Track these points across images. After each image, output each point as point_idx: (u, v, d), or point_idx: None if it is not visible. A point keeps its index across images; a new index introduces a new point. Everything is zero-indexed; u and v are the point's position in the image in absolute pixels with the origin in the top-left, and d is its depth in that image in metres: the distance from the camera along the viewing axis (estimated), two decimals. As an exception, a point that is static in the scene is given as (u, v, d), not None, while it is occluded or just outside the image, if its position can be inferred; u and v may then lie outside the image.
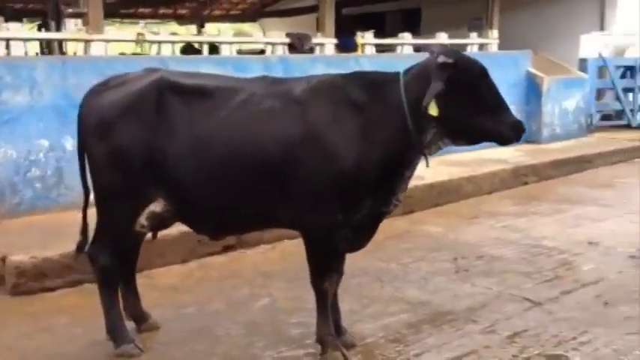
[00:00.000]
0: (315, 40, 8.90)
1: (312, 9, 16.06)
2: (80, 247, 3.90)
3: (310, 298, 4.56)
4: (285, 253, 5.72)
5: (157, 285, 4.90)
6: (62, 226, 5.69)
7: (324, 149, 3.42)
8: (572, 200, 7.66)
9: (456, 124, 3.46)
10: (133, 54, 10.14)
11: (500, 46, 11.43)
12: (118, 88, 3.70)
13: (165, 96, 3.59)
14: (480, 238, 6.11)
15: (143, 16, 17.54)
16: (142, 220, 3.71)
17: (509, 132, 3.49)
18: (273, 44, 8.44)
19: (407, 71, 3.56)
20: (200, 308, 4.50)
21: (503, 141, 3.56)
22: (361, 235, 3.69)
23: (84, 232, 3.92)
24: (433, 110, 3.36)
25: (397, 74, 3.55)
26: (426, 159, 3.56)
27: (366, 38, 9.56)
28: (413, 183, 3.82)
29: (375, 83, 3.55)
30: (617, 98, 12.18)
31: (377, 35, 9.89)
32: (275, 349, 3.86)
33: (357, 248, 3.77)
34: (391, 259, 5.48)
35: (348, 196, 3.47)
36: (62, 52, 8.51)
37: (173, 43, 7.67)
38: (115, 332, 3.80)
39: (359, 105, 3.48)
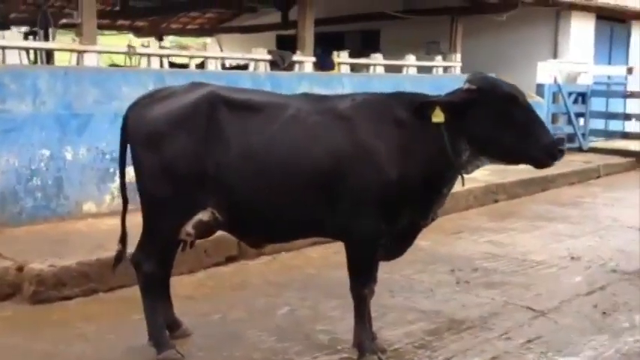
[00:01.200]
0: (295, 58, 9.11)
1: (272, 27, 16.35)
2: (119, 257, 3.98)
3: (327, 306, 4.82)
4: (287, 265, 5.90)
5: (172, 295, 4.97)
6: (67, 236, 5.74)
7: (370, 163, 3.64)
8: (544, 218, 8.06)
9: (485, 145, 3.71)
10: (120, 66, 10.13)
11: (462, 70, 11.90)
12: (168, 100, 3.82)
13: (218, 109, 3.74)
14: (470, 252, 6.41)
15: (100, 27, 17.34)
16: (189, 228, 3.82)
17: (542, 155, 3.70)
18: (255, 60, 8.60)
19: (446, 95, 3.81)
20: (224, 316, 4.62)
21: (537, 164, 3.82)
22: (399, 244, 3.92)
23: (123, 241, 4.00)
24: (437, 117, 3.61)
25: (437, 96, 3.80)
26: (462, 178, 3.81)
27: (342, 57, 9.85)
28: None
29: (416, 102, 3.78)
30: (570, 122, 12.80)
31: (350, 55, 10.19)
32: (310, 354, 4.02)
33: (395, 257, 4.00)
34: (393, 271, 5.66)
35: (391, 207, 3.69)
36: (49, 62, 8.47)
37: (162, 56, 7.75)
38: (158, 338, 3.89)
39: (402, 123, 3.70)
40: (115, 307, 4.76)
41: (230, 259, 5.86)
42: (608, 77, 14.70)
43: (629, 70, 13.00)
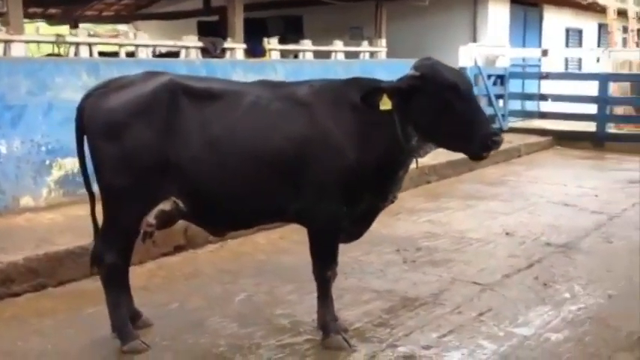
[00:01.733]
0: (226, 45, 9.07)
1: (193, 13, 16.15)
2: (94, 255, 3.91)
3: (283, 291, 4.90)
4: (236, 252, 5.92)
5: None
6: (8, 231, 5.60)
7: (331, 148, 3.72)
8: (475, 196, 8.36)
9: (428, 132, 3.73)
10: (50, 55, 9.78)
11: (388, 55, 12.13)
12: (125, 89, 3.76)
13: (177, 98, 3.73)
14: (411, 232, 6.60)
15: (11, 15, 16.67)
16: (150, 218, 3.81)
17: (476, 146, 3.63)
18: (187, 48, 8.52)
19: (395, 81, 3.90)
20: (182, 305, 4.62)
21: (471, 155, 3.77)
22: (359, 227, 4.03)
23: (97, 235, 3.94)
24: (384, 104, 3.64)
25: (392, 82, 3.89)
26: (416, 161, 3.94)
27: (272, 44, 9.86)
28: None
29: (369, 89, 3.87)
30: (490, 104, 13.24)
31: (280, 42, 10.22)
32: (275, 338, 4.09)
33: (354, 238, 4.11)
34: (342, 253, 5.57)
35: (351, 190, 3.79)
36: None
37: (90, 44, 7.56)
38: (122, 330, 3.87)
39: (359, 109, 3.77)
40: (66, 301, 4.68)
41: (178, 249, 5.83)
42: (523, 59, 15.28)
43: (545, 53, 13.52)
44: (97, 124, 3.75)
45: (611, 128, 13.14)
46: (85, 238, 5.26)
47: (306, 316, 4.40)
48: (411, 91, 3.64)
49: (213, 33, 10.30)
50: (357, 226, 4.00)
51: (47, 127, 6.28)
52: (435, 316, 4.48)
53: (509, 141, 12.17)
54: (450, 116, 3.60)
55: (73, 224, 5.75)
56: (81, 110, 3.85)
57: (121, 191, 3.73)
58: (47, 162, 6.31)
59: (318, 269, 3.96)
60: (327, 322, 3.98)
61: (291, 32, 14.51)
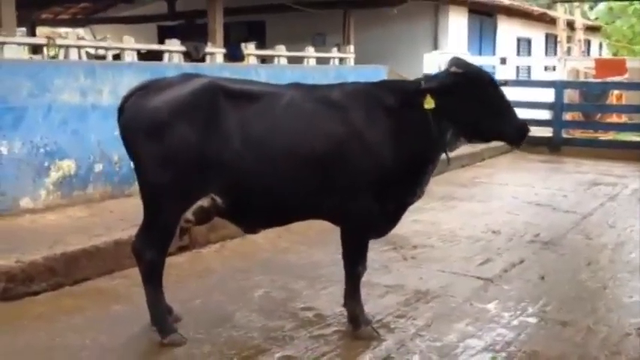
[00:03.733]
0: (206, 50, 9.17)
1: (156, 18, 16.11)
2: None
3: (298, 286, 5.06)
4: (238, 252, 6.03)
5: (141, 284, 5.01)
6: (15, 232, 5.58)
7: (366, 148, 3.92)
8: (454, 197, 8.68)
9: (467, 126, 4.08)
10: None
11: (356, 61, 12.40)
12: (166, 90, 3.88)
13: (217, 98, 3.86)
14: (403, 231, 6.79)
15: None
16: (189, 215, 3.93)
17: (515, 134, 4.05)
18: (170, 51, 8.59)
19: (427, 81, 4.15)
20: (205, 302, 4.73)
21: (511, 141, 4.20)
22: (388, 223, 4.23)
23: None
24: (429, 104, 3.92)
25: (419, 83, 4.13)
26: (447, 156, 4.18)
27: (249, 49, 10.01)
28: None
29: (400, 90, 4.10)
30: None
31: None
32: (305, 330, 4.25)
33: (383, 234, 4.31)
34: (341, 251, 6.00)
35: (384, 187, 3.99)
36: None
37: (79, 47, 7.58)
38: (162, 324, 3.98)
39: (391, 109, 4.00)
40: (88, 299, 4.73)
41: (182, 249, 5.91)
42: (481, 67, 15.75)
43: (503, 60, 14.02)
44: (140, 124, 3.85)
45: (565, 134, 13.72)
46: (97, 237, 5.37)
47: (328, 310, 4.58)
48: (453, 88, 3.90)
49: (176, 37, 10.34)
50: (386, 222, 4.20)
51: (46, 128, 6.29)
52: (450, 307, 4.71)
53: (472, 145, 12.62)
54: (490, 109, 3.97)
55: (79, 225, 5.80)
56: (121, 110, 3.95)
57: (163, 189, 3.84)
58: (46, 164, 6.31)
59: (349, 265, 4.15)
60: (358, 314, 4.17)
61: (254, 38, 14.65)
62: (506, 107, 4.04)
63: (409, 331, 4.29)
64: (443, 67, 12.85)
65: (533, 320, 4.53)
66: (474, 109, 4.00)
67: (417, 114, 3.99)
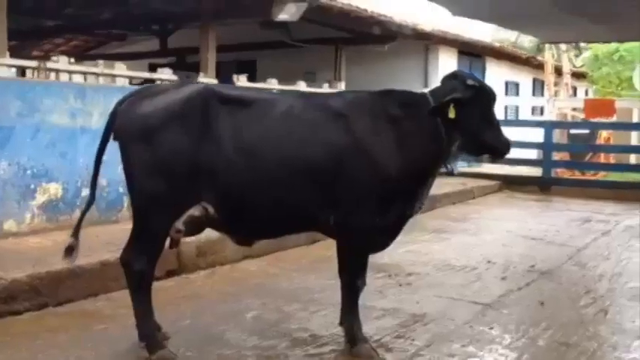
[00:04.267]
0: (198, 79, 9.11)
1: (147, 54, 16.10)
2: (70, 248, 3.86)
3: (290, 309, 4.90)
4: (229, 277, 5.88)
5: (127, 305, 4.82)
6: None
7: (369, 159, 3.81)
8: (446, 231, 8.56)
9: (473, 136, 4.05)
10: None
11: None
12: (159, 96, 3.78)
13: (211, 104, 3.76)
14: (396, 260, 6.68)
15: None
16: (179, 225, 3.78)
17: (504, 148, 4.18)
18: (162, 80, 8.52)
19: (432, 91, 4.09)
20: (193, 322, 4.56)
21: (498, 154, 4.24)
22: (388, 236, 4.09)
23: (76, 233, 3.93)
24: (452, 113, 3.92)
25: (424, 94, 4.07)
26: (449, 167, 4.11)
27: (241, 81, 9.98)
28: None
29: (406, 100, 4.03)
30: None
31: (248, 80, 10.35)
32: (300, 349, 4.08)
33: (383, 248, 4.17)
34: (334, 277, 5.83)
35: (387, 200, 3.87)
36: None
37: (70, 72, 7.49)
38: (150, 339, 3.80)
39: (395, 119, 3.92)
40: (72, 319, 4.55)
41: (170, 273, 5.74)
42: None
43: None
44: (131, 129, 3.73)
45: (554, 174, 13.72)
46: (82, 259, 5.17)
47: (323, 330, 4.42)
48: (468, 100, 3.90)
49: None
50: (385, 236, 4.07)
51: (33, 150, 6.16)
52: (449, 329, 4.56)
53: (463, 183, 12.60)
54: (491, 123, 4.07)
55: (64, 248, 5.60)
56: (113, 116, 3.84)
57: (153, 196, 3.71)
58: (32, 186, 6.16)
59: (348, 278, 4.01)
60: (356, 331, 4.01)
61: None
62: (497, 122, 4.17)
63: (408, 351, 4.13)
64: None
65: (535, 342, 4.38)
66: (479, 121, 4.04)
67: (425, 124, 3.92)
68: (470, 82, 3.99)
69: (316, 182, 3.78)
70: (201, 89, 3.82)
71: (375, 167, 3.81)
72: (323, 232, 4.12)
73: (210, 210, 3.78)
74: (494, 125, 4.13)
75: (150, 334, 3.81)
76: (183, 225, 3.80)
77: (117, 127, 3.79)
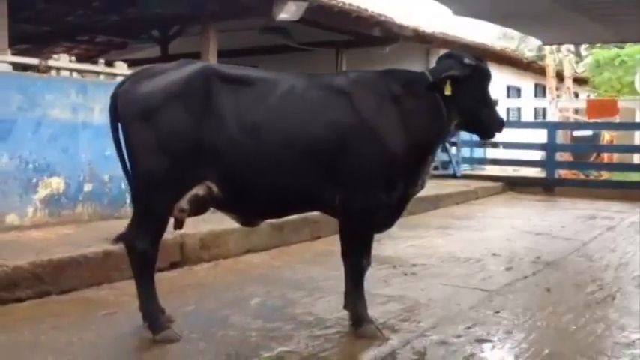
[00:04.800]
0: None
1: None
2: (121, 237, 3.82)
3: (295, 295, 4.86)
4: (232, 269, 5.83)
5: (131, 294, 4.79)
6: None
7: (372, 135, 3.79)
8: (450, 227, 8.53)
9: (470, 114, 4.08)
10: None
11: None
12: (160, 76, 3.76)
13: (213, 83, 3.74)
14: (400, 253, 6.65)
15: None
16: (183, 204, 3.75)
17: (497, 127, 4.21)
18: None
19: (431, 70, 4.08)
20: (198, 307, 4.52)
21: (491, 133, 4.25)
22: (392, 215, 4.06)
23: None
24: (448, 90, 3.94)
25: (423, 72, 4.06)
26: (447, 144, 4.12)
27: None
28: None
29: (408, 78, 4.02)
30: (444, 150, 13.60)
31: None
32: (305, 330, 4.04)
33: (387, 228, 4.14)
34: (338, 268, 5.77)
35: (391, 177, 3.85)
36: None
37: (71, 70, 7.49)
38: (153, 319, 3.77)
39: (398, 98, 3.91)
40: (75, 306, 4.51)
41: (174, 265, 5.70)
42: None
43: (495, 102, 14.02)
44: (132, 109, 3.72)
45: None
46: (85, 248, 5.16)
47: (328, 314, 4.38)
48: (465, 78, 3.92)
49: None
50: (390, 214, 4.04)
51: (35, 144, 6.13)
52: (454, 313, 4.52)
53: (465, 184, 12.59)
54: (487, 101, 4.10)
55: (67, 240, 5.59)
56: (115, 97, 3.82)
57: (156, 175, 3.68)
58: (34, 180, 6.13)
59: (353, 258, 3.98)
60: (360, 311, 3.97)
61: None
62: (492, 101, 4.23)
63: (414, 332, 4.08)
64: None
65: (542, 324, 4.34)
66: (476, 99, 4.08)
67: (425, 102, 3.93)
68: (466, 60, 4.01)
69: (320, 161, 3.76)
70: (202, 68, 3.80)
71: (380, 145, 3.79)
72: (326, 212, 4.08)
73: (214, 189, 3.76)
74: (490, 104, 4.18)
75: (153, 314, 3.77)
76: (187, 204, 3.78)
77: (119, 107, 3.78)
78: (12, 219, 5.98)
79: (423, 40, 13.30)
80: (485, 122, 4.15)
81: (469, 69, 3.98)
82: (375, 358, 3.63)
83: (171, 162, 3.66)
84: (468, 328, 4.19)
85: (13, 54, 7.06)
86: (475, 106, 4.07)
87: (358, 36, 12.56)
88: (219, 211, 4.01)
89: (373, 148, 3.78)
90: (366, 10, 11.50)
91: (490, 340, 3.96)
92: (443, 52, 14.31)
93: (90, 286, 4.96)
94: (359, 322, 3.95)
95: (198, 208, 3.86)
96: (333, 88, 3.88)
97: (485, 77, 4.12)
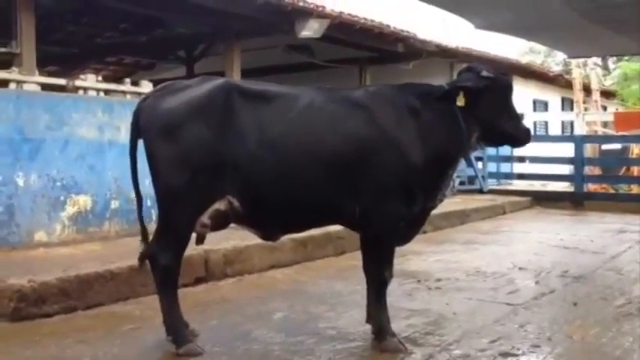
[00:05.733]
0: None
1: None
2: (144, 256, 3.86)
3: (318, 310, 4.86)
4: (256, 284, 5.85)
5: (157, 308, 4.82)
6: (29, 261, 5.45)
7: (393, 150, 3.80)
8: (476, 242, 8.46)
9: (491, 127, 4.09)
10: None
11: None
12: (182, 91, 3.82)
13: (234, 98, 3.78)
14: (425, 268, 6.62)
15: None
16: (205, 219, 3.79)
17: (524, 137, 4.24)
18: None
19: (448, 84, 4.09)
20: (221, 322, 4.54)
21: (519, 143, 4.32)
22: (412, 229, 4.06)
23: (145, 238, 3.91)
24: (460, 101, 3.96)
25: (442, 86, 4.07)
26: (472, 159, 4.10)
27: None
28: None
29: (425, 92, 4.02)
30: (470, 165, 13.52)
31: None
32: (327, 344, 4.03)
33: (406, 241, 4.15)
34: (364, 283, 5.77)
35: (410, 190, 3.85)
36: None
37: (98, 90, 7.62)
38: (177, 333, 3.79)
39: (417, 111, 3.92)
40: (100, 321, 4.56)
41: (198, 280, 5.74)
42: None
43: (522, 116, 13.93)
44: (155, 125, 3.77)
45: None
46: (111, 264, 5.21)
47: (351, 328, 4.37)
48: (483, 90, 3.94)
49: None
50: (409, 227, 4.04)
51: (63, 162, 6.24)
52: (478, 327, 4.48)
53: (492, 199, 12.50)
54: (509, 112, 4.10)
55: (94, 256, 5.66)
56: (138, 112, 3.88)
57: (178, 190, 3.72)
58: (62, 198, 6.23)
59: (375, 271, 3.98)
60: (384, 324, 3.96)
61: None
62: (517, 113, 4.25)
63: (438, 346, 4.05)
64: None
65: (568, 337, 4.28)
66: (497, 111, 4.09)
67: (443, 115, 3.93)
68: (484, 73, 4.02)
69: (341, 174, 3.78)
70: (224, 84, 3.85)
71: (399, 157, 3.80)
72: (347, 225, 4.10)
73: (236, 204, 3.79)
74: (513, 115, 4.19)
75: (177, 327, 3.80)
76: (209, 219, 3.81)
77: (141, 122, 3.83)
78: (40, 236, 6.08)
79: (447, 55, 13.28)
80: (509, 132, 4.16)
81: (486, 81, 4.00)
82: (398, 371, 3.62)
83: (193, 177, 3.69)
84: (493, 342, 4.15)
85: (42, 75, 7.22)
86: (497, 117, 4.07)
87: (381, 52, 12.59)
88: (239, 226, 4.03)
89: (392, 161, 3.79)
90: (388, 26, 11.53)
91: (515, 355, 3.92)
92: (467, 66, 14.15)
93: (116, 301, 5.02)
94: (381, 335, 3.94)
95: (220, 222, 3.88)
96: (352, 102, 3.90)
97: (506, 89, 4.14)
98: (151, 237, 3.97)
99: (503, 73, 4.41)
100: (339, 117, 3.84)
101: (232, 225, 4.03)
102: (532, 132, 4.38)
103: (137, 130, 3.88)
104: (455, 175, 4.27)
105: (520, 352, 3.97)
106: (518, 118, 4.27)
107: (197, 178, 3.70)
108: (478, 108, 3.97)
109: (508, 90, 4.15)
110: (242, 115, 3.76)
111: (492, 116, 4.05)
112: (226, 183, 3.74)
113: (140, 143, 3.91)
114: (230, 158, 3.71)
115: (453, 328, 4.43)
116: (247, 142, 3.73)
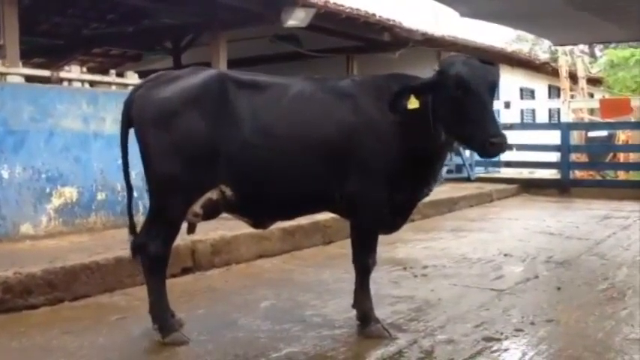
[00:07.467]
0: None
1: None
2: (136, 246, 3.87)
3: (305, 298, 4.88)
4: (244, 273, 5.88)
5: (144, 298, 4.84)
6: (15, 253, 5.44)
7: (376, 135, 3.82)
8: (463, 229, 8.52)
9: (447, 127, 3.75)
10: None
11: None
12: (176, 81, 3.82)
13: (227, 88, 3.79)
14: (413, 256, 6.66)
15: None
16: (197, 208, 3.80)
17: (477, 147, 3.65)
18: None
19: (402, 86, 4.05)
20: (208, 311, 4.56)
21: (479, 151, 3.67)
22: (398, 218, 4.08)
23: (133, 230, 3.91)
24: (412, 104, 3.69)
25: (426, 78, 4.04)
26: (460, 148, 4.08)
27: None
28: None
29: (408, 83, 4.01)
30: (458, 154, 13.58)
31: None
32: (313, 331, 4.07)
33: (394, 230, 4.16)
34: (351, 271, 5.80)
35: (394, 177, 3.86)
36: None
37: (83, 81, 7.59)
38: (163, 321, 3.82)
39: None
40: (86, 311, 4.57)
41: (185, 270, 5.75)
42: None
43: (507, 104, 13.99)
44: (149, 113, 3.77)
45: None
46: (97, 255, 5.22)
47: (336, 315, 4.41)
48: (433, 87, 3.70)
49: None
50: (395, 217, 4.06)
51: (48, 154, 6.23)
52: (463, 312, 4.52)
53: (480, 187, 12.56)
54: (460, 113, 3.62)
55: (80, 247, 5.66)
56: (130, 102, 3.88)
57: (172, 179, 3.72)
58: (47, 190, 6.22)
59: (359, 257, 4.01)
60: (367, 311, 4.00)
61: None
62: (475, 115, 3.58)
63: (422, 331, 4.10)
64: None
65: (551, 321, 4.32)
66: (447, 110, 3.69)
67: (419, 110, 3.83)
68: (436, 66, 3.83)
69: (328, 159, 3.81)
70: (218, 74, 3.88)
71: (381, 144, 3.81)
72: (336, 212, 4.13)
73: (228, 193, 3.80)
74: (468, 117, 3.59)
75: (163, 316, 3.82)
76: (201, 208, 3.83)
77: (134, 112, 3.83)
78: (26, 228, 6.07)
79: (433, 44, 13.30)
80: (467, 139, 3.73)
81: (437, 77, 3.72)
82: (382, 357, 3.65)
83: (186, 166, 3.70)
84: (477, 326, 4.19)
85: (25, 66, 7.18)
86: (454, 120, 3.66)
87: (368, 41, 12.59)
88: (230, 215, 4.05)
89: (376, 148, 3.81)
90: (374, 15, 11.53)
91: (498, 339, 3.96)
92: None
93: (102, 292, 5.03)
94: (366, 322, 3.98)
95: (211, 212, 3.90)
96: (339, 91, 3.92)
97: (464, 86, 3.59)
98: (139, 228, 3.97)
99: (489, 63, 4.21)
100: (327, 105, 3.87)
101: (222, 215, 4.06)
102: (504, 133, 3.57)
103: (128, 120, 3.88)
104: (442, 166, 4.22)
105: (503, 336, 4.01)
106: (479, 122, 3.55)
107: (191, 167, 3.70)
108: (436, 108, 3.71)
109: (459, 87, 3.59)
110: (235, 105, 3.78)
111: (450, 117, 3.67)
112: (219, 172, 3.75)
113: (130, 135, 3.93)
114: (224, 147, 3.72)
115: (438, 314, 4.48)
116: (240, 131, 3.74)
